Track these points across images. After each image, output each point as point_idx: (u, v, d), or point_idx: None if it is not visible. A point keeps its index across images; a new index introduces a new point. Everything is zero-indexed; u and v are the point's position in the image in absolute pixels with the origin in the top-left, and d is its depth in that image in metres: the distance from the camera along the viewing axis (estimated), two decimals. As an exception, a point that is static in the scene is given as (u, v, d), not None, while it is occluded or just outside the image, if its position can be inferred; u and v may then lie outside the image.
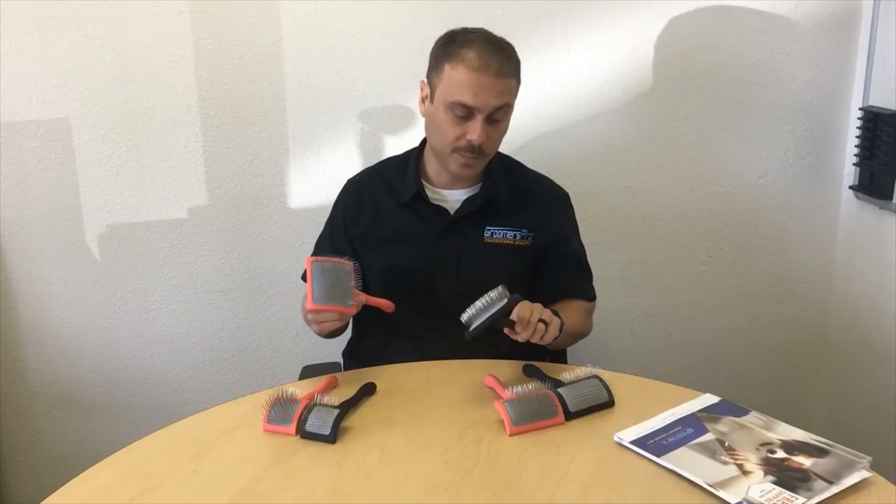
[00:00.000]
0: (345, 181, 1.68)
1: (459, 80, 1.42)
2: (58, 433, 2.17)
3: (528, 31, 1.93)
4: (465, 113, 1.43)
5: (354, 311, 1.39)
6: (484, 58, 1.41)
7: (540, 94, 1.97)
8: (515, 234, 1.55)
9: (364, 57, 1.93)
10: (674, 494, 1.06)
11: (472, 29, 1.48)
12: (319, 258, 1.38)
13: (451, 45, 1.45)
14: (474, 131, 1.43)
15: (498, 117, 1.45)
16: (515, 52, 1.48)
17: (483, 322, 1.29)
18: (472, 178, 1.57)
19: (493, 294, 1.30)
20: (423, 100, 1.52)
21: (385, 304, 1.46)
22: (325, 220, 1.69)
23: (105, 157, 1.99)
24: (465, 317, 1.30)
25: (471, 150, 1.45)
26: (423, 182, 1.58)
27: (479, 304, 1.30)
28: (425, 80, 1.52)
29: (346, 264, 1.38)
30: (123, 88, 1.95)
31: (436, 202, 1.56)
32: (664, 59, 1.96)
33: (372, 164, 1.71)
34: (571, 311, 1.55)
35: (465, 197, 1.56)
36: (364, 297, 1.42)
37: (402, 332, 1.58)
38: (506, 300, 1.30)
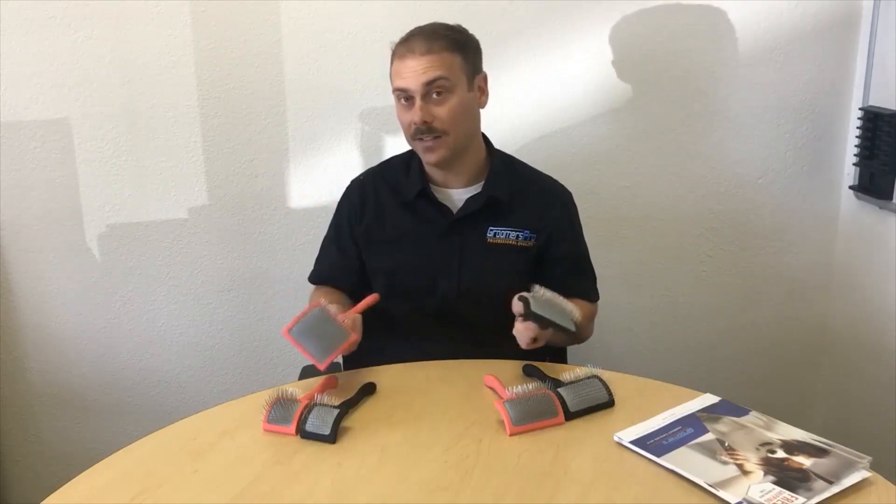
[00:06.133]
0: (345, 181, 1.68)
1: (394, 70, 1.49)
2: (58, 433, 2.17)
3: (528, 31, 1.93)
4: (408, 98, 1.47)
5: (357, 336, 1.37)
6: (409, 44, 1.47)
7: (541, 95, 1.97)
8: (518, 235, 1.56)
9: (364, 57, 1.93)
10: (674, 494, 1.06)
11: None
12: (290, 326, 1.35)
13: (392, 51, 1.51)
14: (415, 112, 1.46)
15: (438, 94, 1.46)
16: (458, 32, 1.50)
17: (549, 320, 1.34)
18: (473, 175, 1.57)
19: (567, 307, 1.37)
20: None
21: (372, 300, 1.46)
22: (325, 219, 1.69)
23: (105, 157, 1.99)
24: (540, 294, 1.36)
25: (421, 132, 1.47)
26: (427, 181, 1.58)
27: (552, 299, 1.37)
28: None
29: (315, 307, 1.36)
30: (123, 88, 1.95)
31: (440, 200, 1.57)
32: (664, 59, 1.96)
33: (372, 163, 1.71)
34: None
35: (466, 196, 1.56)
36: (354, 314, 1.40)
37: (402, 332, 1.59)
38: (573, 329, 1.37)
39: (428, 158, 1.51)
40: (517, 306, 1.35)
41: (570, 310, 1.37)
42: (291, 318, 2.09)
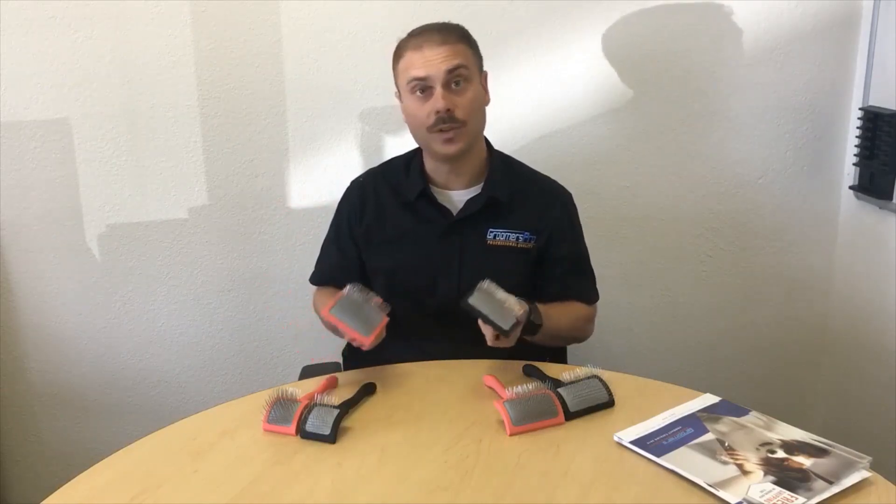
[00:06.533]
0: (345, 181, 1.68)
1: (409, 62, 1.47)
2: (58, 433, 2.17)
3: (528, 31, 1.93)
4: (426, 89, 1.46)
5: (386, 316, 1.38)
6: (423, 36, 1.47)
7: (541, 95, 1.97)
8: (518, 237, 1.55)
9: (364, 57, 1.93)
10: (674, 494, 1.06)
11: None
12: (328, 307, 1.35)
13: (398, 47, 1.51)
14: (437, 100, 1.44)
15: (459, 84, 1.46)
16: (461, 27, 1.52)
17: (483, 314, 1.32)
18: (473, 176, 1.56)
19: (511, 307, 1.32)
20: (401, 109, 1.55)
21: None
22: (325, 220, 1.69)
23: (105, 157, 1.99)
24: (485, 287, 1.34)
25: (443, 121, 1.45)
26: (427, 182, 1.58)
27: (499, 297, 1.33)
28: (396, 90, 1.55)
29: (347, 289, 1.38)
30: (123, 88, 1.95)
31: (440, 202, 1.56)
32: (664, 59, 1.96)
33: (373, 164, 1.71)
34: (562, 311, 1.54)
35: (467, 197, 1.56)
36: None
37: (402, 332, 1.58)
38: (510, 326, 1.31)
39: (447, 150, 1.49)
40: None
41: (511, 308, 1.32)
42: (291, 317, 2.11)
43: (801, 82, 1.98)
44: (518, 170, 1.64)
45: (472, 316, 1.33)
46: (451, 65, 1.44)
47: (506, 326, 1.31)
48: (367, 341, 1.33)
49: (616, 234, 2.08)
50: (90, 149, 1.98)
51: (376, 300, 1.39)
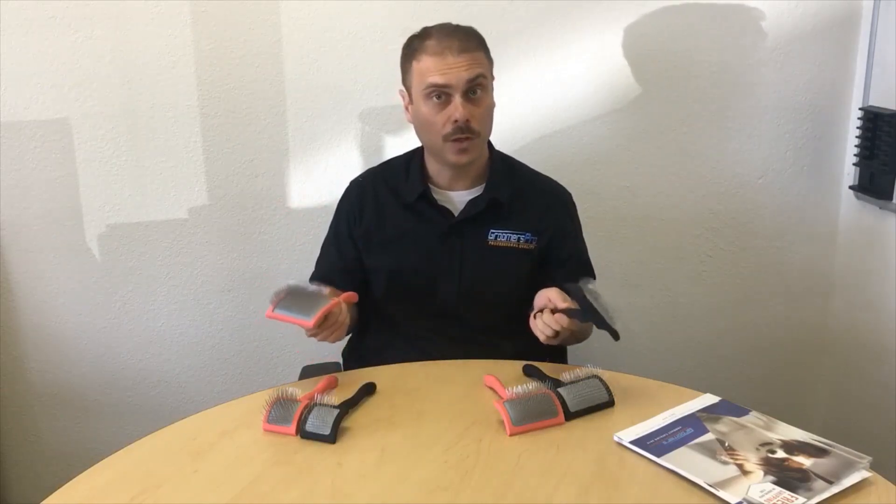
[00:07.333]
0: (345, 181, 1.68)
1: (427, 67, 1.45)
2: (58, 433, 2.17)
3: (528, 31, 1.93)
4: (443, 96, 1.44)
5: (339, 299, 1.35)
6: (443, 41, 1.44)
7: (541, 95, 1.97)
8: (520, 238, 1.55)
9: (364, 57, 1.93)
10: (674, 494, 1.06)
11: (429, 25, 1.50)
12: (271, 308, 1.32)
13: (411, 45, 1.49)
14: (456, 109, 1.43)
15: (476, 93, 1.45)
16: (478, 32, 1.50)
17: (600, 305, 1.31)
18: (475, 177, 1.56)
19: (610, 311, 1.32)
20: (406, 108, 1.54)
21: (349, 296, 1.44)
22: (325, 220, 1.69)
23: (105, 157, 1.99)
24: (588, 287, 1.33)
25: (460, 130, 1.44)
26: (427, 183, 1.57)
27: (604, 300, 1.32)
28: (402, 88, 1.54)
29: (285, 286, 1.35)
30: (123, 88, 1.95)
31: (440, 203, 1.56)
32: (664, 59, 1.96)
33: (373, 164, 1.70)
34: None
35: (468, 198, 1.56)
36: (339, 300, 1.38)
37: (402, 332, 1.59)
38: (615, 329, 1.31)
39: (459, 159, 1.49)
40: (555, 297, 1.32)
41: (611, 307, 1.31)
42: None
43: (801, 82, 1.98)
44: (519, 170, 1.64)
45: (581, 301, 1.30)
46: (472, 74, 1.43)
47: (617, 329, 1.30)
48: (310, 324, 1.31)
49: (616, 234, 2.08)
50: (90, 149, 1.98)
51: (321, 289, 1.36)
